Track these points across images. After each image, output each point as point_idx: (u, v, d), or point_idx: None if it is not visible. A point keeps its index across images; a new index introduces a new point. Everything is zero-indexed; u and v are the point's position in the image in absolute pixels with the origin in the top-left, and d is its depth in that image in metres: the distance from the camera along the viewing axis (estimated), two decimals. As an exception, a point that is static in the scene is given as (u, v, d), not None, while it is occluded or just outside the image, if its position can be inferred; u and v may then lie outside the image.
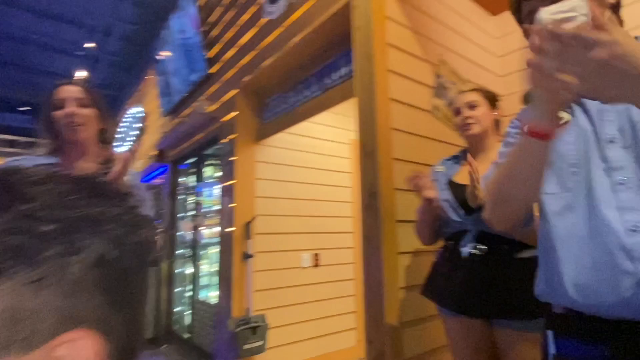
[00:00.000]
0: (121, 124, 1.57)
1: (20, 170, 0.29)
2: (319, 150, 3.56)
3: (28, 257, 0.27)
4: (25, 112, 7.89)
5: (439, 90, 2.16)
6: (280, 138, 3.18)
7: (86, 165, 1.29)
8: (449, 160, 1.65)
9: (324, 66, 2.60)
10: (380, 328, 1.71)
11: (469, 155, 1.38)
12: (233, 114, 3.20)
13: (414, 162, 1.91)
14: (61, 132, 1.25)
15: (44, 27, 6.17)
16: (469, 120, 1.52)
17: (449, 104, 2.03)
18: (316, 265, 3.38)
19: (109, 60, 6.89)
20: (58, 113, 1.25)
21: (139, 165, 5.28)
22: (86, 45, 6.38)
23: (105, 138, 1.38)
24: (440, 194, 1.52)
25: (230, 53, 3.34)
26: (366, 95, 1.89)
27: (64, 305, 0.28)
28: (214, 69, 3.61)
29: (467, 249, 1.44)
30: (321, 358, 3.26)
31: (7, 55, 6.66)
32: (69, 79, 1.39)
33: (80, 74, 6.44)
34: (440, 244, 1.61)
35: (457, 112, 1.57)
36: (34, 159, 1.23)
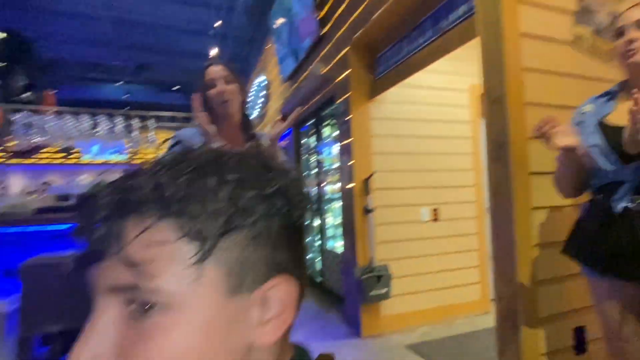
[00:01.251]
0: (249, 94, 1.67)
1: (224, 153, 0.36)
2: (434, 100, 3.32)
3: (247, 217, 0.32)
4: (177, 91, 9.11)
5: (583, 15, 1.76)
6: (394, 92, 3.04)
7: (236, 137, 1.42)
8: (599, 97, 1.34)
9: (439, 8, 2.34)
10: (511, 285, 1.59)
11: (635, 91, 1.07)
12: (346, 72, 3.15)
13: (552, 106, 1.63)
14: (214, 108, 1.39)
15: (182, 13, 6.88)
16: (636, 45, 1.19)
17: (599, 30, 1.64)
18: (435, 220, 3.27)
19: (234, 35, 7.40)
20: (211, 92, 1.39)
21: (268, 130, 5.68)
22: (215, 24, 6.91)
23: (245, 109, 1.51)
24: (587, 139, 1.26)
25: (340, 10, 3.24)
26: (491, 32, 1.64)
27: (270, 257, 0.34)
28: (325, 30, 3.57)
29: (621, 204, 1.19)
30: (444, 309, 3.23)
31: (158, 43, 7.66)
32: (208, 59, 1.53)
33: (214, 51, 7.06)
34: (586, 197, 1.37)
35: (619, 33, 1.23)
36: (194, 130, 1.40)
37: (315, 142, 4.48)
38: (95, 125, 3.29)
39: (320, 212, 4.38)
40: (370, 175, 3.02)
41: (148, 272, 0.30)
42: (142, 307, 0.30)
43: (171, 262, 0.30)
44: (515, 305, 1.58)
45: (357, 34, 2.93)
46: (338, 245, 3.88)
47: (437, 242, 3.25)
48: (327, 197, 4.25)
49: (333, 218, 4.25)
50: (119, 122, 3.30)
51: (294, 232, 0.37)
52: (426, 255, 3.21)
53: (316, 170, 4.48)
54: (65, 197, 2.95)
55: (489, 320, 2.83)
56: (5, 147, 3.99)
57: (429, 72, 2.77)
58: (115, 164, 8.53)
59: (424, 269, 3.20)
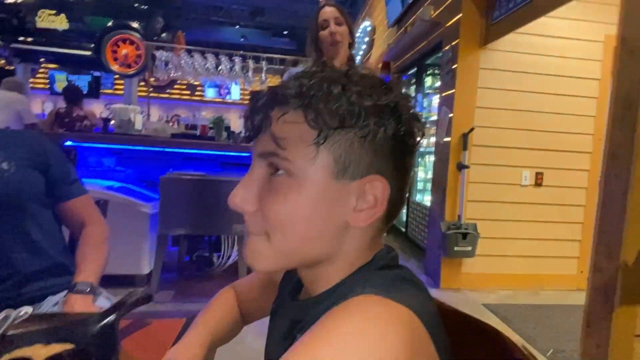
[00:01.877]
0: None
1: (351, 70, 0.43)
2: (558, 52, 2.89)
3: (358, 120, 0.40)
4: (287, 35, 9.33)
5: None
6: (510, 40, 2.73)
7: None
8: None
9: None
10: (612, 259, 1.44)
11: None
12: (457, 17, 2.89)
13: None
14: (322, 50, 1.45)
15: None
16: None
17: None
18: (538, 185, 2.99)
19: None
20: (323, 33, 1.45)
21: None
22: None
23: (352, 52, 1.53)
24: None
25: (460, -54, 2.92)
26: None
27: (372, 157, 0.41)
28: (441, -31, 3.26)
29: None
30: (532, 277, 3.05)
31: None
32: (320, 0, 1.56)
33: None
34: None
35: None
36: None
37: (414, 93, 4.30)
38: (217, 64, 3.61)
39: (412, 165, 4.30)
40: (470, 130, 2.85)
41: (283, 144, 0.41)
42: (276, 170, 0.42)
43: (299, 141, 0.41)
44: (614, 280, 1.45)
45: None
46: (426, 199, 3.83)
47: (536, 208, 3.01)
48: (420, 150, 4.14)
49: (424, 172, 4.16)
50: (237, 63, 3.58)
51: (399, 144, 0.42)
52: (521, 221, 3.01)
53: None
54: (193, 127, 3.41)
55: (581, 298, 2.61)
56: (148, 81, 4.64)
57: (556, 18, 2.42)
58: (231, 103, 9.37)
59: (516, 234, 3.02)
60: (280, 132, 0.41)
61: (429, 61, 3.92)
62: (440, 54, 3.26)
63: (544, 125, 2.95)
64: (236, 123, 5.99)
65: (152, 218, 2.56)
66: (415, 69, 4.28)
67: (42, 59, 5.71)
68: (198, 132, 3.31)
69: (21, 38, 4.93)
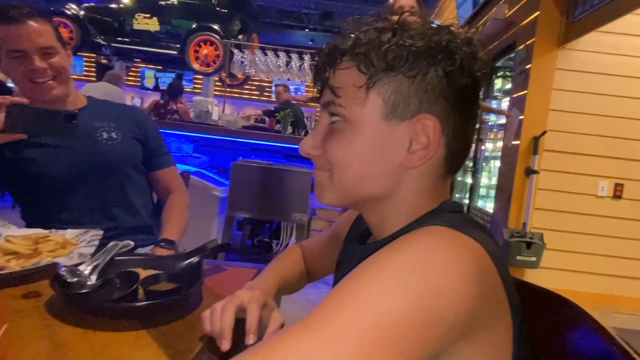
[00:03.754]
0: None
1: (410, 19, 0.45)
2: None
3: (406, 62, 0.42)
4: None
5: None
6: (592, 39, 2.56)
7: None
8: None
9: None
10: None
11: None
12: (534, 14, 2.77)
13: None
14: None
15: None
16: None
17: None
18: (617, 197, 2.75)
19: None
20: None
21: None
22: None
23: None
24: None
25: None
26: None
27: (422, 97, 0.43)
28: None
29: None
30: (602, 297, 2.81)
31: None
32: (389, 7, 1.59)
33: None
34: None
35: None
36: None
37: (482, 96, 4.13)
38: (288, 63, 3.82)
39: (474, 171, 4.16)
40: (542, 134, 2.71)
41: (338, 93, 0.45)
42: (334, 116, 0.47)
43: (351, 87, 0.44)
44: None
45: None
46: (488, 206, 3.67)
47: (614, 222, 2.77)
48: (485, 155, 3.99)
49: (488, 177, 4.00)
50: (307, 61, 3.76)
51: (452, 84, 0.43)
52: (594, 234, 2.79)
53: (477, 126, 4.20)
54: (262, 120, 3.67)
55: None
56: (224, 80, 5.01)
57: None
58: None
59: (587, 248, 2.80)
60: (336, 82, 0.45)
61: (499, 63, 3.77)
62: (512, 55, 3.13)
63: (625, 132, 2.71)
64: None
65: (221, 201, 2.79)
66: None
67: (136, 58, 6.43)
68: (266, 125, 3.54)
69: (120, 38, 5.61)
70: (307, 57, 3.77)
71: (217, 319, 0.53)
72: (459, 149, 0.46)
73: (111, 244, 0.79)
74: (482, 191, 4.05)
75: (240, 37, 5.57)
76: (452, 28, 0.45)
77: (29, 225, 1.04)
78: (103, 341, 0.54)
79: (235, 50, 3.95)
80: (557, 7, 2.68)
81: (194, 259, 0.80)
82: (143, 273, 0.72)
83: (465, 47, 0.44)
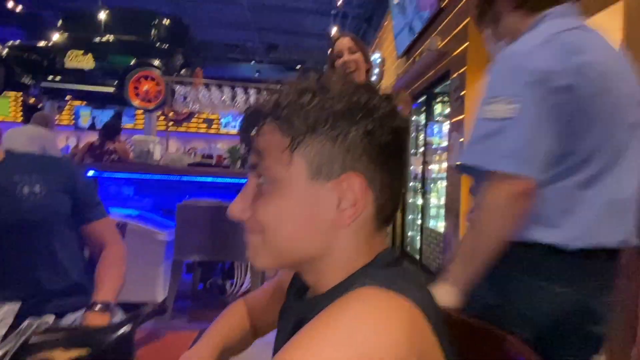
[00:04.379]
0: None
1: (330, 79, 0.45)
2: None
3: (326, 123, 0.42)
4: (299, 70, 9.70)
5: None
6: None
7: None
8: None
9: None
10: None
11: None
12: (464, 45, 2.98)
13: None
14: None
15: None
16: None
17: None
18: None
19: (355, 14, 7.47)
20: (337, 62, 1.54)
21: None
22: (338, 3, 7.07)
23: (370, 77, 1.62)
24: None
25: (463, -19, 3.05)
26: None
27: (346, 157, 0.43)
28: (445, 3, 3.40)
29: None
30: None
31: (286, 24, 8.19)
32: (332, 36, 1.67)
33: (334, 30, 7.26)
34: None
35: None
36: None
37: (424, 120, 4.36)
38: (233, 97, 3.78)
39: (423, 192, 4.30)
40: (481, 155, 2.86)
41: (262, 155, 0.45)
42: (260, 179, 0.46)
43: (274, 150, 0.44)
44: None
45: (480, 4, 2.74)
46: (440, 225, 3.79)
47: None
48: (432, 176, 4.15)
49: (437, 198, 4.14)
50: (252, 95, 3.75)
51: (374, 141, 0.43)
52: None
53: (423, 149, 4.39)
54: (209, 156, 3.55)
55: None
56: (167, 115, 4.86)
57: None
58: (245, 135, 9.65)
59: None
60: (260, 144, 0.46)
61: (438, 89, 4.00)
62: (448, 82, 3.34)
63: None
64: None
65: (167, 245, 2.60)
66: (424, 97, 4.36)
67: (68, 96, 6.05)
68: (214, 162, 3.42)
69: (50, 77, 5.27)
70: (252, 91, 3.77)
71: None
72: (387, 203, 0.47)
73: (25, 323, 0.68)
74: (433, 211, 4.18)
75: (183, 71, 5.46)
76: (371, 85, 0.46)
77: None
78: None
79: (178, 86, 3.85)
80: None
81: (125, 330, 0.70)
82: (62, 357, 0.62)
83: (384, 104, 0.44)
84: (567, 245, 0.73)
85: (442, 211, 3.54)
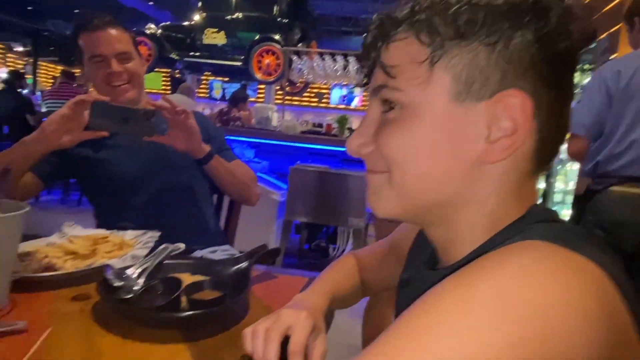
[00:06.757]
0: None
1: None
2: None
3: (485, 26, 0.32)
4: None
5: None
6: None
7: None
8: None
9: None
10: None
11: None
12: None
13: None
14: None
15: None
16: None
17: None
18: None
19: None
20: None
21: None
22: None
23: None
24: None
25: None
26: None
27: (505, 70, 0.32)
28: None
29: None
30: None
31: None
32: None
33: None
34: None
35: None
36: None
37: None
38: (345, 67, 3.77)
39: (547, 175, 3.75)
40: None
41: (392, 73, 0.35)
42: (389, 105, 0.37)
43: (409, 65, 0.35)
44: None
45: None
46: (565, 213, 3.27)
47: None
48: (560, 156, 3.57)
49: (564, 182, 3.58)
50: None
51: (545, 50, 0.32)
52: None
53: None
54: (319, 125, 3.69)
55: None
56: (284, 88, 5.10)
57: None
58: (353, 110, 9.67)
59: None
60: (390, 59, 0.36)
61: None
62: (593, 45, 2.76)
63: None
64: (357, 124, 6.19)
65: (280, 205, 2.79)
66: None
67: (207, 72, 6.80)
68: (324, 130, 3.51)
69: (191, 53, 5.97)
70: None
71: (260, 343, 0.46)
72: (553, 136, 0.35)
73: (161, 247, 0.78)
74: (557, 197, 3.64)
75: (300, 45, 5.63)
76: None
77: (100, 225, 1.07)
78: (140, 352, 0.51)
79: (294, 57, 3.99)
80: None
81: (243, 265, 0.75)
82: (189, 279, 0.69)
83: (559, 3, 0.32)
84: None
85: (570, 197, 3.05)
